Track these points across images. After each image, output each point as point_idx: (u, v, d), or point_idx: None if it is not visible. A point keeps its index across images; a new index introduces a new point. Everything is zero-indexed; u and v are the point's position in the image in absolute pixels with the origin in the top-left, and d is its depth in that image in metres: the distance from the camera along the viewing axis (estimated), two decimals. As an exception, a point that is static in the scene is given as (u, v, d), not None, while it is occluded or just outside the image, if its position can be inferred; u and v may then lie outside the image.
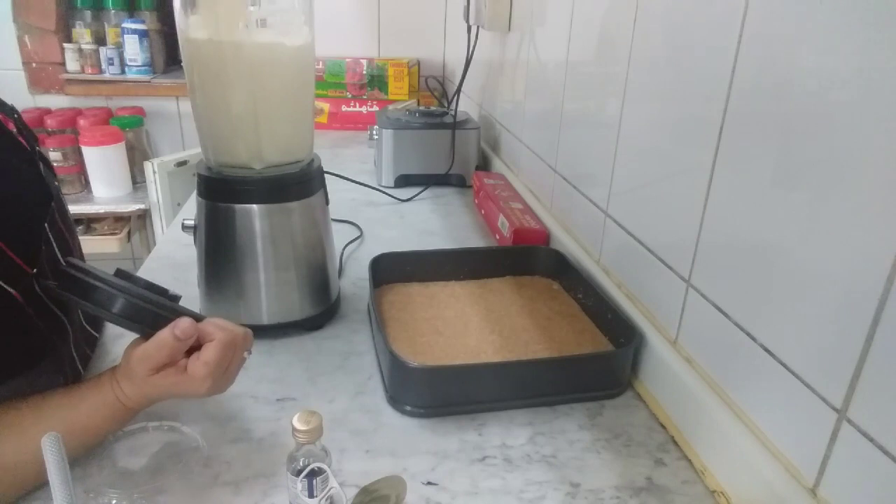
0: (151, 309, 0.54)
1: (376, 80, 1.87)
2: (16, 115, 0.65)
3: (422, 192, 1.34)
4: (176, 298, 0.57)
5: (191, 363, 0.54)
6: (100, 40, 2.13)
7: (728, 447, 0.56)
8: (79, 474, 0.55)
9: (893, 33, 0.40)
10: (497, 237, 1.11)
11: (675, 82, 0.66)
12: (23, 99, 2.09)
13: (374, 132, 1.39)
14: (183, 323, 0.53)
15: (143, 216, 2.05)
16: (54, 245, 0.60)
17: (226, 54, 0.68)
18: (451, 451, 0.61)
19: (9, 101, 0.65)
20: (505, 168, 1.35)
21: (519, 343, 0.76)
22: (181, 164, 1.92)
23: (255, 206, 0.73)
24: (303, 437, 0.48)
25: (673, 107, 0.67)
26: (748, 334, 0.55)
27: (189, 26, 0.70)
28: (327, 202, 0.82)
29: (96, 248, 1.91)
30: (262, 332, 0.78)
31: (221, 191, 0.74)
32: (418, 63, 1.96)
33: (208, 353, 0.54)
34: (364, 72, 1.86)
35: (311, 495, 0.49)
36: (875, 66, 0.42)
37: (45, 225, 0.59)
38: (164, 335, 0.53)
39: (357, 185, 1.30)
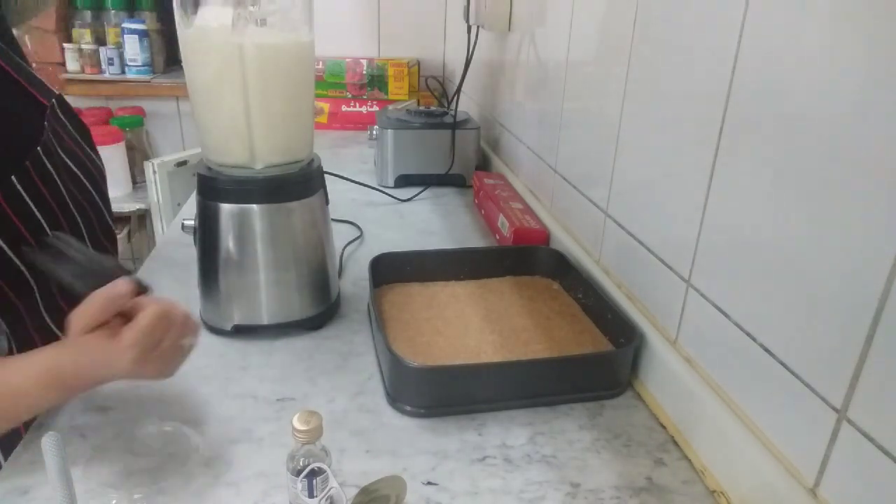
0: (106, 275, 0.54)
1: (376, 80, 1.87)
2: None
3: (422, 192, 1.34)
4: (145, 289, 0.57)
5: (123, 329, 0.53)
6: (100, 40, 2.13)
7: (728, 447, 0.56)
8: (79, 474, 0.55)
9: (893, 34, 0.40)
10: (497, 237, 1.11)
11: (675, 82, 0.66)
12: (23, 99, 2.09)
13: (374, 132, 1.39)
14: (121, 281, 0.53)
15: (143, 216, 2.05)
16: (24, 195, 0.61)
17: (225, 54, 0.68)
18: (451, 451, 0.61)
19: None
20: (505, 168, 1.35)
21: (519, 343, 0.76)
22: (181, 164, 1.92)
23: (255, 206, 0.73)
24: (303, 437, 0.48)
25: (673, 107, 0.67)
26: (748, 334, 0.55)
27: (189, 26, 0.70)
28: (327, 202, 0.82)
29: (96, 248, 1.91)
30: (262, 332, 0.78)
31: (221, 191, 0.74)
32: (418, 63, 1.96)
33: (138, 318, 0.53)
34: (364, 72, 1.86)
35: (311, 495, 0.49)
36: (875, 65, 0.42)
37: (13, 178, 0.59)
38: (99, 291, 0.52)
39: (357, 185, 1.30)
